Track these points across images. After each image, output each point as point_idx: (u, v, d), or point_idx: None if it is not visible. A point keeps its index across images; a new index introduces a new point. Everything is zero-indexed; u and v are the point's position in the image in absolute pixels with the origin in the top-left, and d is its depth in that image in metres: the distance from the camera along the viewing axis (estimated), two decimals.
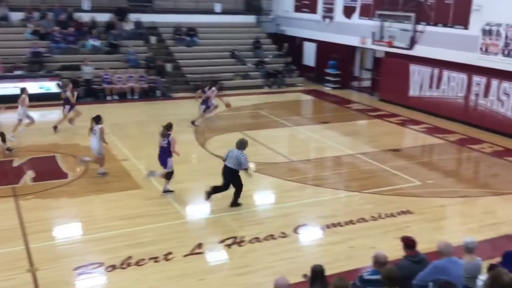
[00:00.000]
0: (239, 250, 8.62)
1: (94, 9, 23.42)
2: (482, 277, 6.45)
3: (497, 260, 6.97)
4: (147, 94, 20.86)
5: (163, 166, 10.75)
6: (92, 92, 20.09)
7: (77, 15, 22.75)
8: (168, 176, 10.79)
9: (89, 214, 9.96)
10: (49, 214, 9.90)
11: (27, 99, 14.31)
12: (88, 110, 18.29)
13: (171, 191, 10.88)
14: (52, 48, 21.14)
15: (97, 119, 11.77)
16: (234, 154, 10.01)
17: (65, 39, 21.58)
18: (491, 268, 6.66)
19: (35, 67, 20.14)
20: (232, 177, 10.11)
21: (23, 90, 14.52)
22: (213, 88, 16.33)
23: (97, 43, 22.01)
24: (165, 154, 10.67)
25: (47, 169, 12.45)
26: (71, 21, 22.48)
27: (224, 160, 10.21)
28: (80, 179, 11.73)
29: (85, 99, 19.67)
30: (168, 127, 10.80)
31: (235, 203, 10.28)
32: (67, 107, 15.52)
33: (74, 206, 10.30)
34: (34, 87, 19.16)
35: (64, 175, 11.95)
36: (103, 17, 23.11)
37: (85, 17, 22.88)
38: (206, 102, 16.42)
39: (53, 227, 9.46)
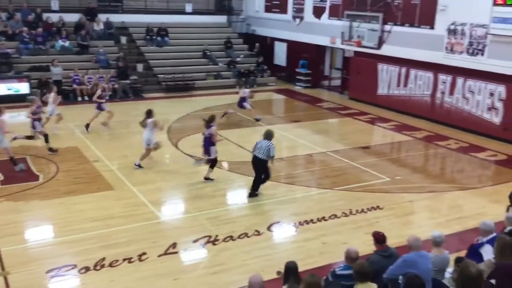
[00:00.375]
0: (213, 249, 8.70)
1: (63, 10, 23.06)
2: (450, 270, 6.70)
3: (464, 252, 7.22)
4: (118, 95, 20.68)
5: (207, 155, 11.63)
6: (62, 93, 19.78)
7: (46, 16, 22.36)
8: (212, 164, 11.70)
9: (61, 216, 9.87)
10: (20, 217, 9.78)
11: None
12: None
13: (212, 179, 11.71)
14: (21, 49, 20.76)
15: (149, 113, 12.59)
16: (263, 144, 10.58)
17: (33, 40, 21.23)
18: (458, 260, 6.92)
19: (3, 68, 19.77)
20: (262, 167, 10.72)
21: None
22: None
23: (66, 43, 21.71)
24: (208, 143, 11.59)
25: (18, 172, 12.27)
26: (39, 21, 22.11)
27: (253, 152, 10.78)
28: (51, 181, 11.60)
29: None
30: (211, 119, 11.84)
31: (254, 193, 10.86)
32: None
33: (46, 209, 10.19)
34: (3, 88, 18.86)
35: (35, 177, 11.80)
36: (72, 18, 22.79)
37: (54, 17, 22.50)
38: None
39: (25, 230, 9.36)
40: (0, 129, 11.79)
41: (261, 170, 10.77)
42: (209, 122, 11.72)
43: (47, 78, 19.72)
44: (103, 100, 15.88)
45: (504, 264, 5.76)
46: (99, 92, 15.91)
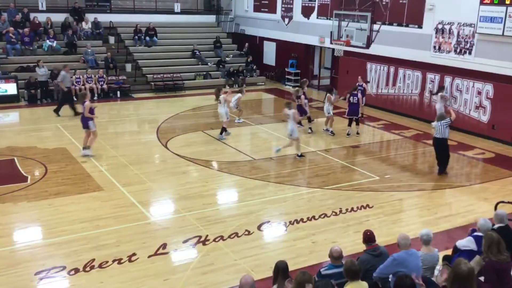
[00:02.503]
0: (203, 249, 8.68)
1: (50, 9, 22.88)
2: (438, 267, 6.75)
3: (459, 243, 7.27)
4: (107, 95, 20.59)
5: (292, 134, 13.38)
6: (49, 94, 19.64)
7: (33, 15, 22.16)
8: (298, 143, 13.47)
9: (49, 217, 9.77)
10: (8, 219, 9.67)
11: None
12: (44, 111, 18.06)
13: (303, 155, 13.43)
14: (8, 49, 20.56)
15: (288, 104, 13.81)
16: (438, 124, 12.07)
17: (21, 40, 21.03)
18: (446, 258, 6.99)
19: None
20: (443, 146, 12.18)
21: None
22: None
23: (54, 44, 21.55)
24: (291, 124, 13.32)
25: (6, 173, 12.17)
26: (26, 21, 21.91)
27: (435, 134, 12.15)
28: (39, 182, 11.50)
29: (42, 100, 19.30)
30: (287, 104, 13.84)
31: (443, 171, 12.43)
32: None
33: (34, 210, 10.09)
34: None
35: (24, 179, 11.69)
36: (60, 17, 22.61)
37: (41, 17, 22.30)
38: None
39: (13, 231, 9.26)
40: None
41: (442, 149, 12.25)
42: (287, 106, 13.60)
43: (34, 79, 19.55)
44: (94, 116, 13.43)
45: (492, 261, 5.83)
46: (88, 103, 13.20)
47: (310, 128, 16.35)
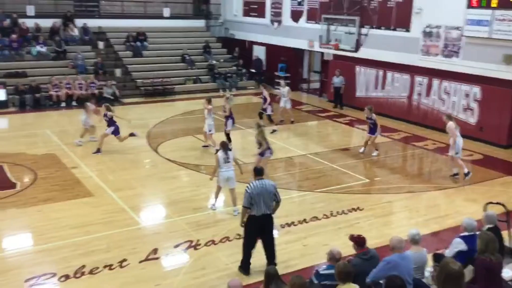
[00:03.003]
0: (195, 254, 8.67)
1: (38, 15, 22.77)
2: (429, 269, 6.80)
3: (443, 251, 7.32)
4: (97, 100, 20.45)
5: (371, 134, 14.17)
6: (38, 99, 19.55)
7: (21, 21, 22.04)
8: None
9: (39, 224, 9.71)
10: None
11: None
12: (33, 117, 17.97)
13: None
14: None
15: (370, 109, 14.16)
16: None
17: (9, 46, 20.90)
18: (436, 257, 7.03)
19: None
20: None
21: None
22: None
23: (43, 49, 21.45)
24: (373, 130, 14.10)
25: None
26: (14, 27, 21.78)
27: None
28: (28, 188, 11.42)
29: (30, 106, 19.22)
30: (370, 108, 14.14)
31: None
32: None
33: (23, 217, 10.02)
34: None
35: (12, 185, 11.60)
36: (48, 23, 22.51)
37: (29, 22, 22.20)
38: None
39: (2, 238, 9.17)
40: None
41: None
42: (370, 111, 14.00)
43: (23, 84, 19.44)
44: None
45: (483, 261, 5.87)
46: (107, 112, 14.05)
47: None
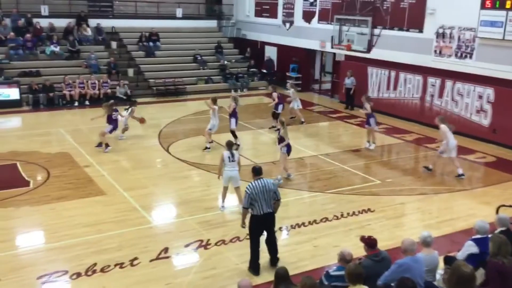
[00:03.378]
0: (205, 253, 8.69)
1: (52, 15, 22.98)
2: (441, 271, 6.76)
3: (455, 254, 7.28)
4: (110, 99, 20.61)
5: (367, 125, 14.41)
6: (52, 98, 19.74)
7: (35, 21, 22.27)
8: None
9: (51, 222, 9.81)
10: (10, 224, 9.71)
11: None
12: (47, 116, 18.14)
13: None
14: (11, 54, 20.66)
15: (366, 98, 14.60)
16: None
17: (23, 45, 21.13)
18: (447, 259, 6.99)
19: None
20: None
21: None
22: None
23: (57, 49, 21.65)
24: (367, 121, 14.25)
25: (8, 178, 12.21)
26: (29, 26, 22.01)
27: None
28: (42, 186, 11.54)
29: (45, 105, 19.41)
30: (365, 97, 14.45)
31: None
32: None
33: (36, 214, 10.14)
34: None
35: (26, 183, 11.73)
36: (62, 23, 22.70)
37: (44, 22, 22.43)
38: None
39: (15, 236, 9.30)
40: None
41: None
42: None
43: (37, 83, 19.64)
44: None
45: (496, 264, 5.83)
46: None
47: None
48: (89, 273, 7.96)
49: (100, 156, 13.70)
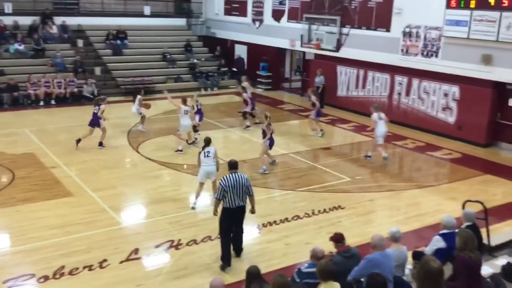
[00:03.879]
0: (176, 253, 8.62)
1: (16, 12, 22.36)
2: (410, 266, 6.87)
3: (423, 249, 7.41)
4: (77, 99, 20.25)
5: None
6: (16, 98, 19.24)
7: None
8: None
9: (17, 224, 9.56)
10: None
11: None
12: (12, 116, 17.66)
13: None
14: None
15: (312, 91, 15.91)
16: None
17: None
18: (415, 254, 7.11)
19: None
20: None
21: None
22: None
23: (21, 47, 21.10)
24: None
25: None
26: None
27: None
28: (7, 188, 11.24)
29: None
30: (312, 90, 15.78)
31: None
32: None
33: (2, 217, 9.85)
34: None
35: None
36: (27, 20, 22.14)
37: (7, 20, 21.81)
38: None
39: None
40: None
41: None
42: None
43: (1, 82, 19.11)
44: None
45: (463, 259, 5.94)
46: (104, 106, 14.57)
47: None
48: (57, 276, 7.80)
49: (67, 156, 13.43)
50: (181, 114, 14.24)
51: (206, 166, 10.36)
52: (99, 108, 14.26)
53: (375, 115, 13.85)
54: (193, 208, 10.48)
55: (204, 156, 10.34)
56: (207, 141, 10.53)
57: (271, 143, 12.88)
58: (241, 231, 8.51)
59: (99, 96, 16.55)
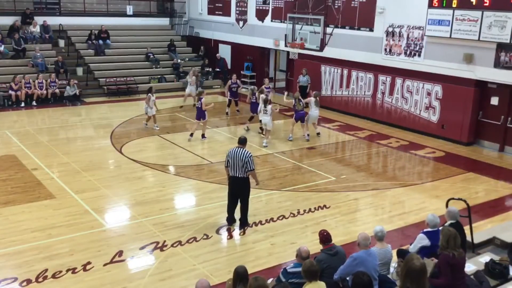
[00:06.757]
0: (161, 255, 8.55)
1: None
2: (394, 264, 6.91)
3: (407, 247, 7.46)
4: (58, 99, 20.01)
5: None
6: None
7: None
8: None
9: None
10: None
11: None
12: None
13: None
14: None
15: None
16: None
17: None
18: (400, 252, 7.15)
19: None
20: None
21: None
22: None
23: (1, 47, 20.76)
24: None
25: None
26: None
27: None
28: None
29: None
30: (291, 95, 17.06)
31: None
32: None
33: None
34: None
35: None
36: (7, 20, 21.82)
37: None
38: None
39: None
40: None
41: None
42: None
43: None
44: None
45: (447, 256, 5.99)
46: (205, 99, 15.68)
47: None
48: (40, 279, 7.67)
49: (48, 158, 13.24)
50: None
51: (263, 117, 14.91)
52: (201, 102, 15.23)
53: (310, 99, 16.04)
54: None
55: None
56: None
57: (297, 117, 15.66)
58: (244, 208, 9.63)
59: (200, 90, 17.18)
